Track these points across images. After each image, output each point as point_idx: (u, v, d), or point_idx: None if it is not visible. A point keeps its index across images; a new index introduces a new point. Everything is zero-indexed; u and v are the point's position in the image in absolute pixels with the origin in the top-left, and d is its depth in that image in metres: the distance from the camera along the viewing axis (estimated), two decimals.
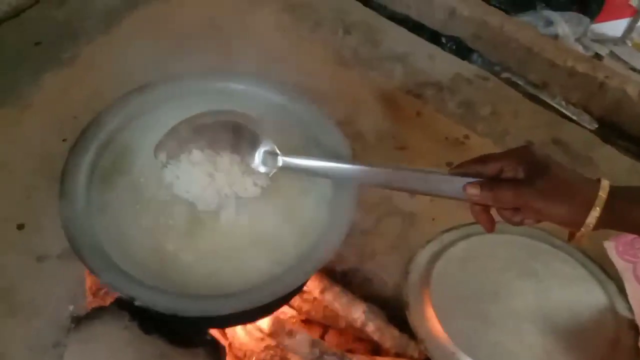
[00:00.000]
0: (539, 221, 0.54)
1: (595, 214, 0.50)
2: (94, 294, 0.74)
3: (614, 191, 0.51)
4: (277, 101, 0.70)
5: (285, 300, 0.67)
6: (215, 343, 0.65)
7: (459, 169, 0.55)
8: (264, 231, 0.59)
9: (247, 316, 0.65)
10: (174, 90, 0.71)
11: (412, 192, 0.62)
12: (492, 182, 0.54)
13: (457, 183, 0.55)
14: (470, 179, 0.54)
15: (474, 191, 0.54)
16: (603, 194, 0.51)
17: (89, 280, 0.75)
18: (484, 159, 0.54)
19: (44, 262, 0.79)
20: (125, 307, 0.64)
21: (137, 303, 0.53)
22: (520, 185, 0.52)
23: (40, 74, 0.98)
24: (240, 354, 0.78)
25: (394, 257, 0.84)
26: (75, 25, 1.05)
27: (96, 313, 0.66)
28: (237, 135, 0.59)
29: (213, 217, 0.59)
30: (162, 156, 0.59)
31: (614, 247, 0.79)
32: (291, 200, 0.61)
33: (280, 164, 0.59)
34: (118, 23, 1.07)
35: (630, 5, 1.38)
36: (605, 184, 0.52)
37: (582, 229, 0.51)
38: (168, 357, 0.62)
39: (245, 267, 0.56)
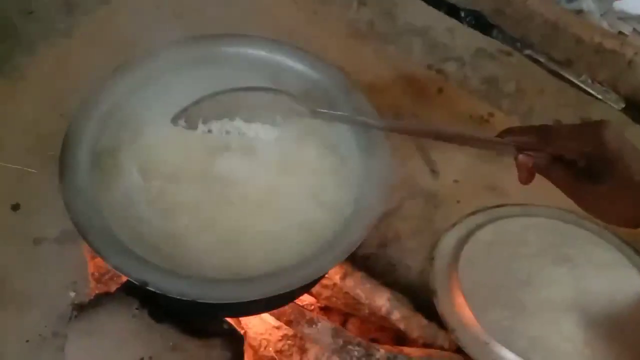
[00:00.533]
0: None
1: None
2: (98, 280, 0.68)
3: None
4: (296, 68, 0.64)
5: (312, 285, 0.61)
6: (233, 332, 0.59)
7: (516, 136, 0.50)
8: (291, 208, 0.53)
9: (271, 303, 0.60)
10: (179, 58, 0.65)
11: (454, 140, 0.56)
12: (549, 160, 0.49)
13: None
14: None
15: (526, 160, 0.49)
16: None
17: (91, 265, 0.69)
18: (546, 133, 0.49)
19: (40, 245, 0.72)
20: (134, 293, 0.59)
21: (149, 288, 0.47)
22: (579, 175, 0.47)
23: (34, 45, 0.91)
24: (255, 344, 0.73)
25: (418, 241, 0.79)
26: None
27: (100, 300, 0.60)
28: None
29: (233, 190, 0.53)
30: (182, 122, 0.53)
31: None
32: (320, 177, 0.56)
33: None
34: None
35: None
36: None
37: None
38: (181, 349, 0.56)
39: (271, 248, 0.50)
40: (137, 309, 0.57)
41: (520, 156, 0.52)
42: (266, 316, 0.72)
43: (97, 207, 0.52)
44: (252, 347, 0.73)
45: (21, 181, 0.77)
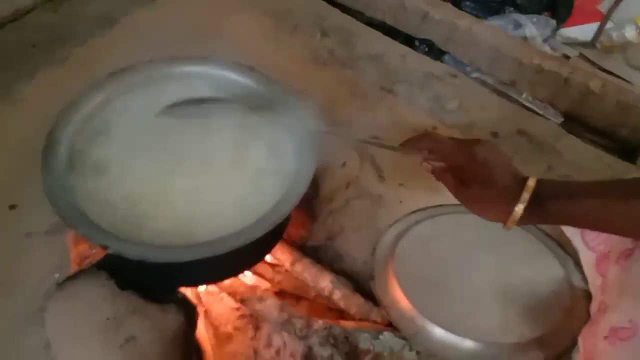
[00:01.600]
0: None
1: (518, 211, 0.58)
2: (79, 264, 0.79)
3: (539, 189, 0.58)
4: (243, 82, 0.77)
5: (253, 257, 0.72)
6: (186, 301, 0.70)
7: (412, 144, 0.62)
8: (233, 191, 0.65)
9: (216, 270, 0.70)
10: (148, 74, 0.78)
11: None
12: (443, 167, 0.64)
13: None
14: None
15: (426, 167, 0.62)
16: (527, 193, 0.58)
17: (73, 252, 0.80)
18: (435, 144, 0.62)
19: (31, 237, 0.84)
20: (104, 268, 0.70)
21: (109, 251, 0.58)
22: (458, 184, 0.63)
23: (34, 72, 1.05)
24: (216, 323, 0.83)
25: (362, 235, 0.89)
26: (68, 29, 1.13)
27: (77, 275, 0.71)
28: None
29: (185, 179, 0.65)
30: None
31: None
32: (261, 167, 0.68)
33: None
34: (107, 29, 1.14)
35: (599, 11, 1.46)
36: (530, 183, 0.58)
37: (509, 224, 0.59)
38: (141, 311, 0.67)
39: (214, 223, 0.62)
40: (106, 279, 0.68)
41: (424, 164, 0.65)
42: (226, 298, 0.83)
43: (71, 192, 0.64)
44: (212, 325, 0.83)
45: (19, 186, 0.90)
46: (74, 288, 0.69)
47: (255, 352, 0.81)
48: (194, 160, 0.66)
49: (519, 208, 0.58)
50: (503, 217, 0.60)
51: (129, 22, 1.17)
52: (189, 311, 0.70)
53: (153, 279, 0.68)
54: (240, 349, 0.82)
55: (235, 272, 0.74)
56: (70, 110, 0.70)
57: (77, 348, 0.66)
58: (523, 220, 0.59)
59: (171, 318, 0.67)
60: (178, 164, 0.66)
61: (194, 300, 0.75)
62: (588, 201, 0.57)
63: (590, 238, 0.77)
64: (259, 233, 0.60)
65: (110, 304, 0.67)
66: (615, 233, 0.62)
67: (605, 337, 0.63)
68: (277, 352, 0.81)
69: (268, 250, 0.76)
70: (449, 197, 0.96)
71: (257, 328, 0.83)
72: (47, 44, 1.11)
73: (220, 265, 0.65)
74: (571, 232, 0.81)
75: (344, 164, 0.91)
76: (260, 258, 0.78)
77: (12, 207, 0.88)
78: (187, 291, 0.74)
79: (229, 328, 0.83)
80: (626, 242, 0.70)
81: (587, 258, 0.78)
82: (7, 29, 1.13)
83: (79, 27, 1.14)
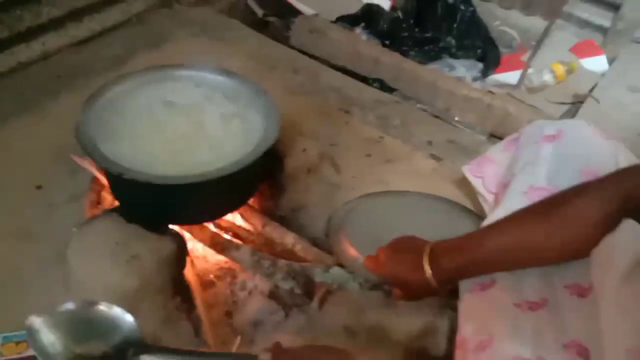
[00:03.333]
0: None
1: (429, 277, 0.74)
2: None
3: (433, 251, 0.75)
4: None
5: (233, 193, 0.93)
6: (177, 233, 0.91)
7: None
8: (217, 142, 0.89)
9: (205, 207, 0.91)
10: (151, 75, 1.03)
11: None
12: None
13: None
14: None
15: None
16: (425, 261, 0.75)
17: (89, 212, 1.01)
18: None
19: (53, 206, 1.05)
20: (114, 210, 0.91)
21: (125, 176, 0.80)
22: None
23: (58, 96, 1.31)
24: (200, 274, 1.02)
25: (321, 209, 1.11)
26: (89, 65, 1.40)
27: (94, 217, 0.92)
28: None
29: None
30: None
31: (469, 169, 1.06)
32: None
33: None
34: (121, 65, 1.42)
35: (522, 60, 1.78)
36: (426, 249, 0.76)
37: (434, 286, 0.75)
38: (143, 237, 0.87)
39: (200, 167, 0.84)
40: (116, 217, 0.89)
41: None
42: (209, 252, 1.03)
43: (97, 147, 0.86)
44: (198, 275, 1.02)
45: (44, 173, 1.12)
46: (90, 225, 0.90)
47: (232, 292, 1.01)
48: (189, 129, 0.90)
49: (428, 274, 0.74)
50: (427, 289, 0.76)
51: (136, 62, 1.45)
52: (180, 240, 0.90)
53: (154, 214, 0.89)
54: (220, 291, 1.01)
55: (221, 212, 0.95)
56: (97, 95, 0.94)
57: (91, 265, 0.85)
58: (442, 284, 0.75)
59: (166, 243, 0.88)
60: (175, 132, 0.90)
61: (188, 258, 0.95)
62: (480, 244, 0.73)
63: None
64: (240, 165, 0.83)
65: (119, 232, 0.87)
66: (524, 264, 0.72)
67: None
68: (250, 292, 1.00)
69: (247, 194, 0.98)
70: (394, 187, 1.20)
71: (233, 277, 1.03)
72: (70, 76, 1.37)
73: (208, 203, 0.86)
74: (475, 181, 1.03)
75: (304, 150, 1.14)
76: (241, 201, 0.99)
77: (38, 187, 1.10)
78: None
79: (211, 277, 1.03)
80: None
81: (488, 205, 1.00)
82: (39, 65, 1.40)
83: (98, 64, 1.41)
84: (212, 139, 0.91)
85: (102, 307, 0.61)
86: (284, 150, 1.11)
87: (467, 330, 0.75)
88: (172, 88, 0.98)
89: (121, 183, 0.89)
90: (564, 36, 1.87)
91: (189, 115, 0.94)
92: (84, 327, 0.59)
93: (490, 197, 0.99)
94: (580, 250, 0.66)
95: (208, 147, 0.90)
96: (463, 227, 1.07)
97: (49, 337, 0.57)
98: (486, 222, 0.89)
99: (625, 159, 0.81)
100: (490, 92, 1.61)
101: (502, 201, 0.85)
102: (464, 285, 0.81)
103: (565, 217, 0.64)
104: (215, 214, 0.97)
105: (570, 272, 0.69)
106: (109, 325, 0.60)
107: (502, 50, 1.86)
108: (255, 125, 0.93)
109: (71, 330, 0.58)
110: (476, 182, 1.03)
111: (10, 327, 0.85)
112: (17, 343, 0.84)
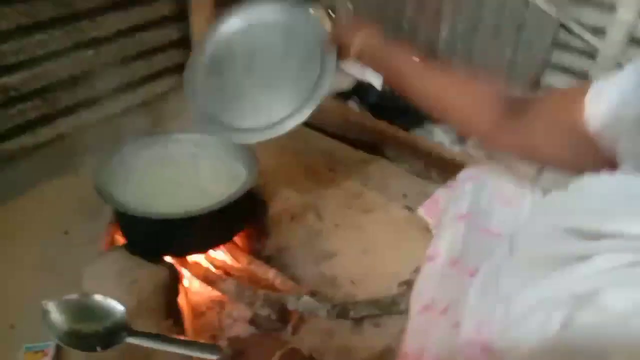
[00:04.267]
0: None
1: None
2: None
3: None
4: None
5: (221, 228, 1.11)
6: (171, 264, 1.09)
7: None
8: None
9: (195, 241, 1.09)
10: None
11: None
12: None
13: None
14: None
15: None
16: None
17: (105, 241, 1.21)
18: None
19: (76, 247, 1.26)
20: (121, 246, 1.10)
21: (127, 212, 1.00)
22: None
23: (87, 160, 1.54)
24: (194, 304, 1.19)
25: (303, 252, 1.28)
26: (117, 135, 1.66)
27: (105, 251, 1.12)
28: None
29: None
30: None
31: (423, 210, 1.20)
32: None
33: None
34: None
35: None
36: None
37: None
38: (142, 266, 1.05)
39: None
40: (123, 251, 1.08)
41: None
42: (200, 286, 1.20)
43: (111, 192, 1.07)
44: (191, 306, 1.18)
45: (72, 219, 1.34)
46: (102, 257, 1.09)
47: (219, 320, 1.16)
48: (184, 179, 1.11)
49: None
50: None
51: (156, 132, 1.70)
52: (173, 270, 1.08)
53: (151, 247, 1.08)
54: (208, 320, 1.16)
55: (207, 246, 1.13)
56: (112, 153, 1.17)
57: (99, 287, 1.03)
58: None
59: (161, 271, 1.06)
60: (171, 182, 1.11)
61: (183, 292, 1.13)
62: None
63: None
64: (220, 205, 1.01)
65: (123, 262, 1.06)
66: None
67: None
68: (234, 319, 1.16)
69: (231, 231, 1.15)
70: (370, 235, 1.37)
71: (221, 307, 1.19)
72: (99, 144, 1.62)
73: (195, 237, 1.05)
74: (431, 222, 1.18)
75: (287, 198, 1.33)
76: (225, 237, 1.16)
77: (65, 232, 1.31)
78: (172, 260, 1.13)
79: (202, 308, 1.19)
80: None
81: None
82: (74, 136, 1.66)
83: (123, 135, 1.67)
84: (203, 187, 1.11)
85: (99, 297, 0.78)
86: (268, 199, 1.30)
87: (408, 346, 0.88)
88: (172, 147, 1.20)
89: (125, 220, 1.09)
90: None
91: (185, 168, 1.15)
92: (83, 311, 0.76)
93: None
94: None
95: (199, 193, 1.10)
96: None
97: (57, 316, 0.75)
98: (428, 251, 1.04)
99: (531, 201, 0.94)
100: (469, 154, 1.79)
101: (438, 232, 1.00)
102: (413, 307, 0.95)
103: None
104: (202, 248, 1.15)
105: None
106: (103, 311, 0.77)
107: None
108: (240, 176, 1.13)
109: (73, 312, 0.75)
110: (429, 221, 1.19)
111: (32, 340, 1.04)
112: (36, 352, 1.02)
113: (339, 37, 1.03)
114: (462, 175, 1.08)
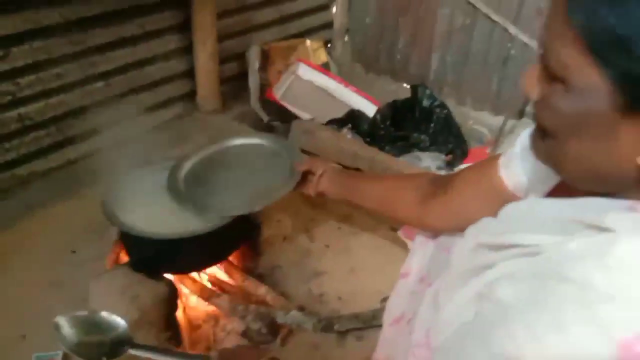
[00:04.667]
0: None
1: None
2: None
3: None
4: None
5: (217, 248, 1.20)
6: (170, 281, 1.18)
7: None
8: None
9: (193, 260, 1.19)
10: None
11: None
12: None
13: None
14: None
15: None
16: None
17: (110, 260, 1.30)
18: None
19: (83, 265, 1.35)
20: (125, 264, 1.20)
21: (128, 232, 1.10)
22: None
23: (94, 185, 1.66)
24: (191, 318, 1.28)
25: (293, 270, 1.37)
26: (123, 161, 1.77)
27: (110, 269, 1.22)
28: None
29: None
30: None
31: (402, 233, 1.30)
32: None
33: None
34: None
35: (487, 152, 2.06)
36: None
37: None
38: (143, 283, 1.15)
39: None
40: (127, 268, 1.18)
41: None
42: (199, 304, 1.29)
43: (117, 217, 1.18)
44: (188, 320, 1.27)
45: (80, 239, 1.44)
46: (107, 274, 1.19)
47: (214, 333, 1.25)
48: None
49: None
50: None
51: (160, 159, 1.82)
52: (171, 286, 1.18)
53: (151, 264, 1.17)
54: (204, 332, 1.25)
55: (207, 263, 1.23)
56: (118, 180, 1.28)
57: (105, 300, 1.13)
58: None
59: (161, 287, 1.15)
60: (172, 205, 1.21)
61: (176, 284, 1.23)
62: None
63: None
64: (210, 229, 1.12)
65: (126, 278, 1.15)
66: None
67: None
68: (228, 332, 1.24)
69: (223, 252, 1.25)
70: (359, 256, 1.46)
71: (216, 321, 1.28)
72: (106, 170, 1.74)
73: (196, 256, 1.15)
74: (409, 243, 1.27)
75: (278, 221, 1.43)
76: (218, 257, 1.26)
77: (73, 251, 1.41)
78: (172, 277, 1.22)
79: (199, 321, 1.28)
80: None
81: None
82: (83, 162, 1.78)
83: (129, 161, 1.78)
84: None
85: (104, 314, 0.88)
86: (263, 221, 1.40)
87: (378, 353, 0.97)
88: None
89: (129, 240, 1.19)
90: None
91: None
92: (91, 325, 0.86)
93: None
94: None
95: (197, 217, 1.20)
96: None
97: (68, 329, 0.85)
98: (402, 269, 1.14)
99: None
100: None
101: (412, 251, 1.10)
102: (385, 319, 1.04)
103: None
104: (199, 266, 1.25)
105: None
106: (109, 325, 0.87)
107: (475, 144, 2.16)
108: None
109: (82, 326, 0.85)
110: (408, 242, 1.28)
111: (42, 349, 1.13)
112: None
113: (309, 164, 1.21)
114: None
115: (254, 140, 1.38)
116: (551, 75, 0.53)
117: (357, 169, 1.86)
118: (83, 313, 0.88)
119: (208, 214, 1.16)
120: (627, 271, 0.45)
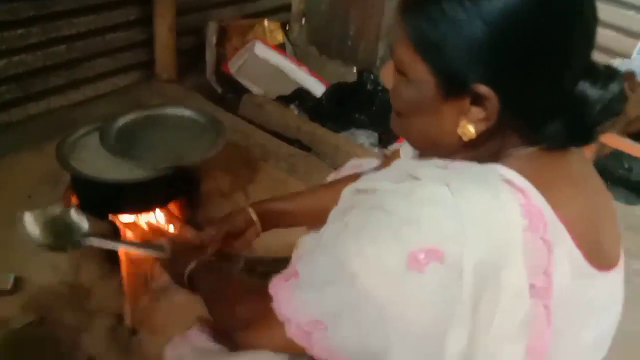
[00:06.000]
0: None
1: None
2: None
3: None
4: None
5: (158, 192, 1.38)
6: (112, 221, 1.35)
7: None
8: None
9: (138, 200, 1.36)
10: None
11: None
12: None
13: None
14: None
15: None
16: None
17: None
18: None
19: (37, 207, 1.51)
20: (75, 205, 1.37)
21: (75, 175, 1.26)
22: None
23: (53, 139, 1.80)
24: (130, 257, 1.45)
25: None
26: (80, 120, 1.92)
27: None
28: None
29: None
30: None
31: None
32: None
33: None
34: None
35: None
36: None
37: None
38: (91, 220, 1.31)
39: None
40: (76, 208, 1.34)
41: None
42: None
43: (71, 163, 1.33)
44: (129, 259, 1.45)
45: (36, 186, 1.59)
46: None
47: (151, 271, 1.43)
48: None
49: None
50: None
51: None
52: (113, 224, 1.34)
53: (97, 209, 1.34)
54: (142, 270, 1.43)
55: (145, 208, 1.39)
56: (73, 133, 1.43)
57: None
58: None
59: (104, 224, 1.32)
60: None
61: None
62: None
63: None
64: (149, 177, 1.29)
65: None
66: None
67: None
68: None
69: (161, 200, 1.42)
70: None
71: (153, 261, 1.45)
72: (65, 127, 1.88)
73: (134, 201, 1.32)
74: None
75: (216, 177, 1.61)
76: (162, 203, 1.43)
77: (29, 196, 1.57)
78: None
79: (138, 262, 1.45)
80: None
81: None
82: (43, 118, 1.91)
83: (86, 120, 1.92)
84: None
85: (73, 212, 1.04)
86: (200, 177, 1.57)
87: None
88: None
89: (77, 185, 1.36)
90: None
91: None
92: (56, 220, 1.02)
93: None
94: None
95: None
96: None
97: (32, 225, 1.00)
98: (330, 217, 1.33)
99: None
100: (384, 153, 2.09)
101: None
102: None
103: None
104: (135, 210, 1.40)
105: None
106: (73, 223, 1.03)
107: None
108: None
109: (47, 222, 1.01)
110: None
111: None
112: None
113: (227, 225, 1.13)
114: (348, 164, 1.38)
115: (186, 112, 1.54)
116: (397, 70, 0.70)
117: (299, 141, 2.06)
118: (53, 210, 1.03)
119: (134, 163, 1.33)
120: (422, 204, 0.64)
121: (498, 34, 0.61)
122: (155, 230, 1.47)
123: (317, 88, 2.39)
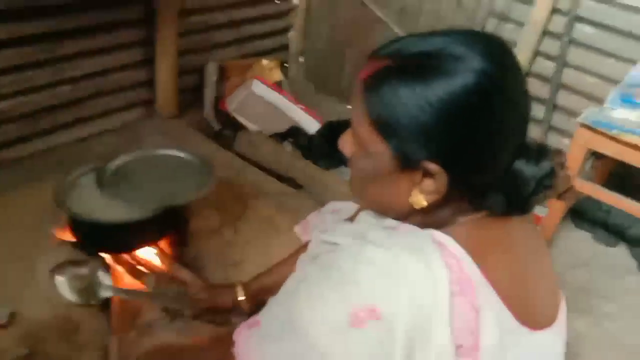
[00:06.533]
0: None
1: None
2: None
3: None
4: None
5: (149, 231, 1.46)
6: (102, 258, 1.43)
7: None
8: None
9: (129, 240, 1.44)
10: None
11: None
12: None
13: None
14: None
15: None
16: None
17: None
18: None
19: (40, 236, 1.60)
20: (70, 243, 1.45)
21: (72, 216, 1.35)
22: None
23: (57, 174, 1.91)
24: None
25: (216, 259, 1.63)
26: (84, 156, 2.01)
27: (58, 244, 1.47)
28: None
29: None
30: None
31: (297, 229, 1.57)
32: None
33: None
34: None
35: None
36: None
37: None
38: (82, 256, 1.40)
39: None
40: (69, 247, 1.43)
41: None
42: (129, 280, 1.54)
43: (67, 204, 1.42)
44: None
45: (39, 218, 1.68)
46: (53, 250, 1.44)
47: (140, 306, 1.50)
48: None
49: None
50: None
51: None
52: (104, 261, 1.43)
53: (90, 247, 1.42)
54: (131, 305, 1.50)
55: (135, 247, 1.47)
56: (72, 175, 1.52)
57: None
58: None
59: (95, 262, 1.40)
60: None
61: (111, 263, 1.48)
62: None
63: None
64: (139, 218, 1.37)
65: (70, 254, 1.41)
66: None
67: None
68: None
69: (156, 237, 1.50)
70: (276, 252, 1.72)
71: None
72: (69, 162, 1.98)
73: (125, 240, 1.40)
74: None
75: (206, 215, 1.68)
76: (151, 242, 1.50)
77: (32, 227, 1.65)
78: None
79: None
80: None
81: None
82: (49, 153, 2.01)
83: (89, 156, 2.02)
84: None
85: (100, 274, 1.18)
86: (190, 216, 1.66)
87: None
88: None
89: (72, 222, 1.44)
90: None
91: None
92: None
93: None
94: None
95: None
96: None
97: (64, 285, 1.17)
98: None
99: None
100: None
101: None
102: None
103: None
104: (126, 248, 1.49)
105: None
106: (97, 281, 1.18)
107: None
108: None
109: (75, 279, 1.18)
110: (302, 237, 1.56)
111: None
112: None
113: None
114: (327, 206, 1.46)
115: (179, 153, 1.63)
116: (356, 140, 0.76)
117: (291, 179, 2.14)
118: (82, 271, 1.16)
119: (127, 204, 1.41)
120: (364, 265, 0.69)
121: (444, 118, 0.68)
122: (147, 266, 1.56)
123: (312, 125, 2.48)
